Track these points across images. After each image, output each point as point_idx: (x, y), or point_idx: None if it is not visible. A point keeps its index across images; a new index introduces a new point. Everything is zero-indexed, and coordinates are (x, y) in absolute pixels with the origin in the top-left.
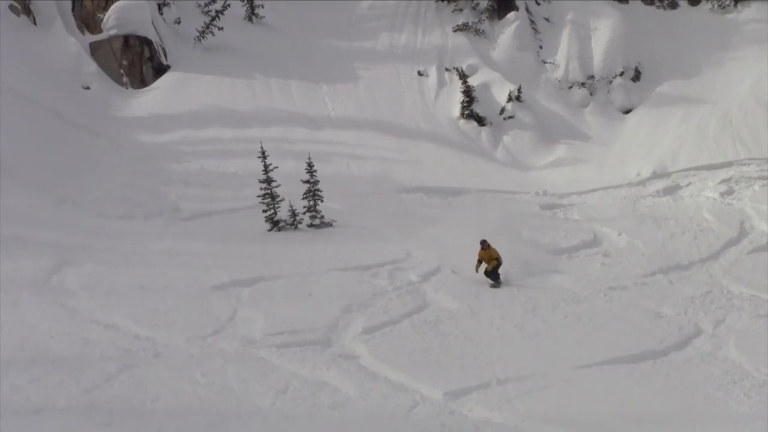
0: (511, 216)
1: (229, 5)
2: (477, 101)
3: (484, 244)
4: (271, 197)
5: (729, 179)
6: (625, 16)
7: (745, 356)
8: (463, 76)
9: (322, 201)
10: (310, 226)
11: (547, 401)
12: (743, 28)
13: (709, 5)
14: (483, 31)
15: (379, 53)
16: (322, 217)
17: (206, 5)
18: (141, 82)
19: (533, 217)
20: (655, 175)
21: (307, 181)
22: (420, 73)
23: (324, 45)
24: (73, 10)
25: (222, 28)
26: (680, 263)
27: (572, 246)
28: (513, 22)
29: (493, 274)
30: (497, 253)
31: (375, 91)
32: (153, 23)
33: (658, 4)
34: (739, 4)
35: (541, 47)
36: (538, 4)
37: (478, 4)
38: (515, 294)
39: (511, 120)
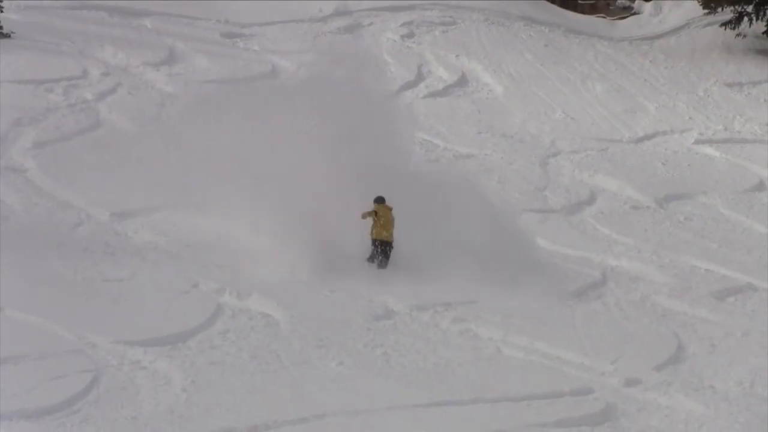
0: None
1: None
2: None
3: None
4: None
5: (411, 22)
6: None
7: None
8: None
9: (1, 11)
10: None
11: (210, 228)
12: None
13: None
14: None
15: None
16: (1, 27)
17: None
18: None
19: (212, 45)
20: (337, 12)
21: None
22: None
23: None
24: None
25: None
26: None
27: (249, 77)
28: None
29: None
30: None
31: None
32: None
33: None
34: None
35: None
36: None
37: None
38: None
39: None
